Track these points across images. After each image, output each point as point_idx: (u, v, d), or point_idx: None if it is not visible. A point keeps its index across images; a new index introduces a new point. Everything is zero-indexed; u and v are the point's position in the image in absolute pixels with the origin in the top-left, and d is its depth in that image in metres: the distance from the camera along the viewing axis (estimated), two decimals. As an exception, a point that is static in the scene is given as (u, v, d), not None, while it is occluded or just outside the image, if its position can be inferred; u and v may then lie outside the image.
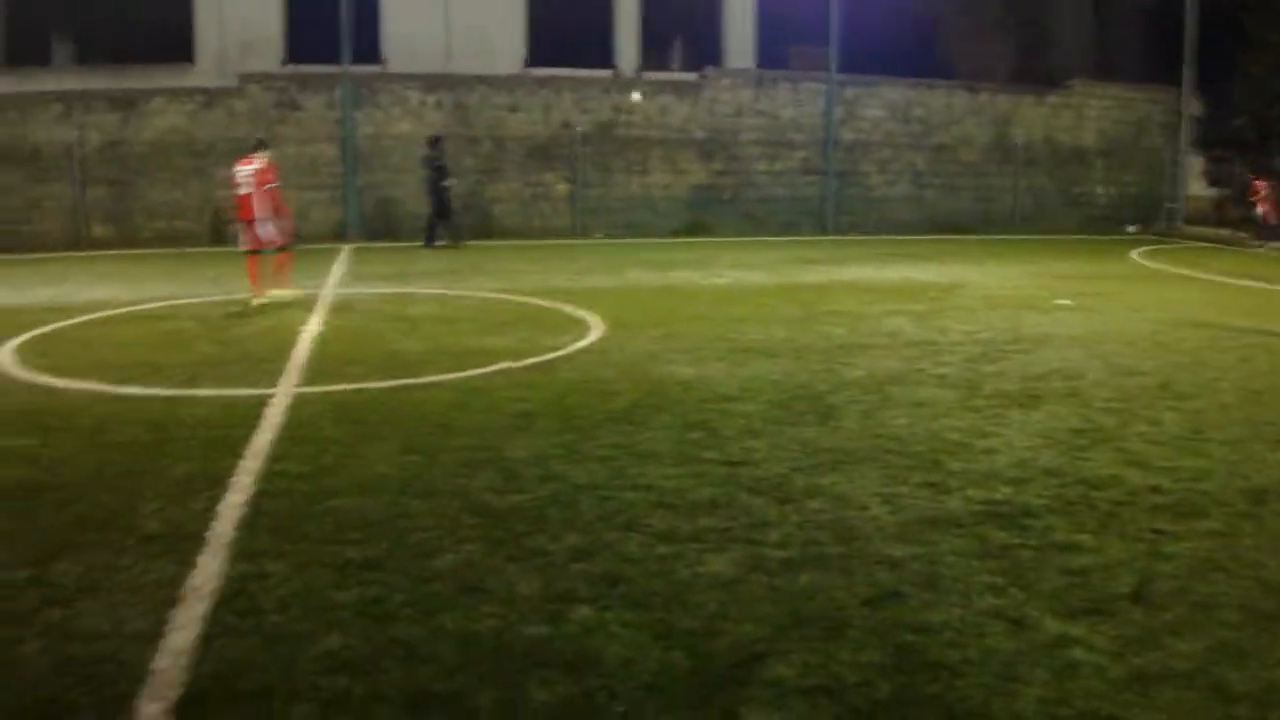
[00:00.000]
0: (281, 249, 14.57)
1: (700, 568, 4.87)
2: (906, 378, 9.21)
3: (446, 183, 22.97)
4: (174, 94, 24.71)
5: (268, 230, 14.27)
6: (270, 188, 14.32)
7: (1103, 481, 6.27)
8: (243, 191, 14.23)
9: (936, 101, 28.95)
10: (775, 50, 31.20)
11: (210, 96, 24.72)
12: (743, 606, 4.47)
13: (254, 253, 14.28)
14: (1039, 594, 4.64)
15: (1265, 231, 25.60)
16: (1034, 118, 29.89)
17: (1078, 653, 4.11)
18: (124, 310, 13.67)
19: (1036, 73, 32.48)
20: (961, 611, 4.45)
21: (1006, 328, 12.11)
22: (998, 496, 5.96)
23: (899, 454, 6.77)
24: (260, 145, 15.03)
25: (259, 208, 14.15)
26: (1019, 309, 13.64)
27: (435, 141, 23.22)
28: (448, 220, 23.11)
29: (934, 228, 27.98)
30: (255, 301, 13.93)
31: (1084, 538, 5.34)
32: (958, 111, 29.15)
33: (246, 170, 14.31)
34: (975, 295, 15.01)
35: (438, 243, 22.78)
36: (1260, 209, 25.96)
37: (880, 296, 14.73)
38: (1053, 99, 30.16)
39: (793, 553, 5.05)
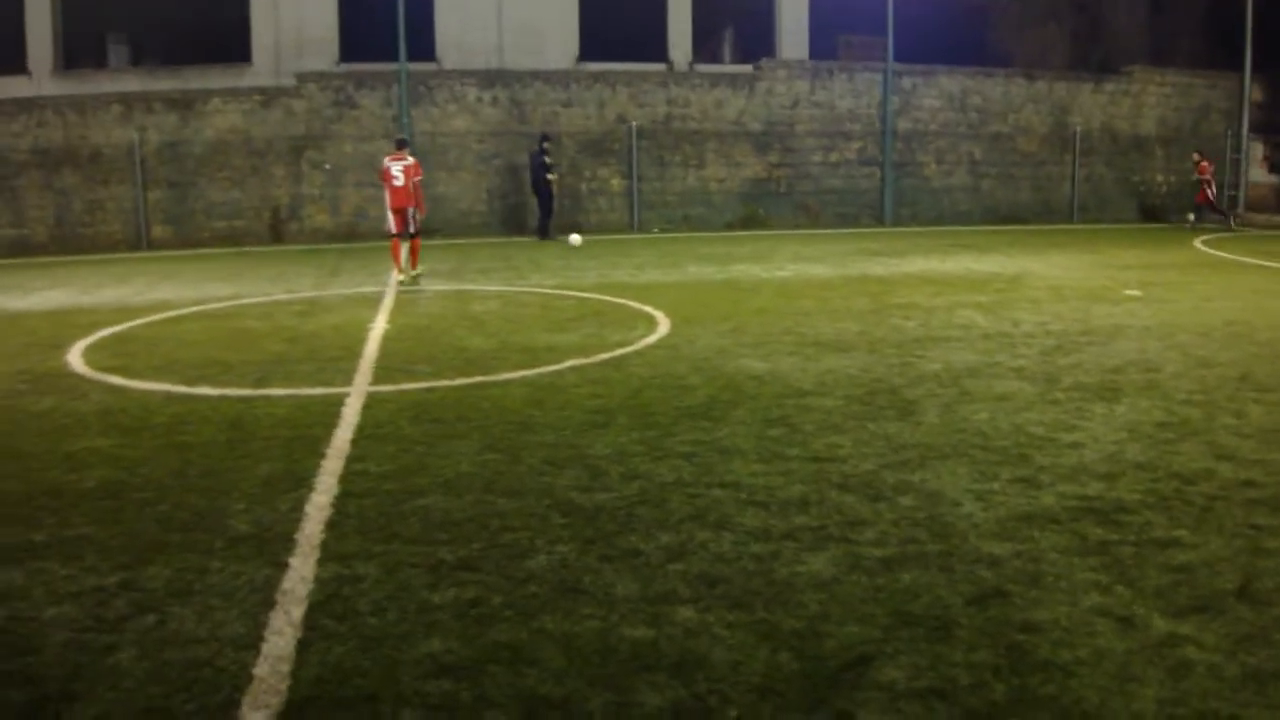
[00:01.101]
0: (417, 235, 16.45)
1: (798, 567, 4.79)
2: (983, 371, 9.07)
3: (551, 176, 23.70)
4: (232, 94, 24.92)
5: (414, 218, 16.23)
6: (416, 181, 16.32)
7: (1195, 475, 6.12)
8: (398, 184, 16.02)
9: (994, 90, 28.63)
10: (825, 40, 31.03)
11: (268, 96, 24.90)
12: (845, 607, 4.38)
13: (398, 236, 16.28)
14: (1144, 591, 4.52)
15: (1207, 210, 26.74)
16: (1092, 105, 29.50)
17: (1190, 651, 3.99)
18: (189, 310, 13.78)
19: (1092, 59, 32.06)
20: (1068, 610, 4.34)
21: (1077, 319, 11.93)
22: (1090, 492, 5.83)
23: (985, 449, 6.65)
24: (403, 144, 17.11)
25: (414, 198, 16.17)
26: (1087, 300, 13.44)
27: (544, 139, 23.73)
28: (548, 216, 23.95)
29: (992, 218, 27.74)
30: (400, 277, 16.02)
31: (1182, 533, 5.21)
32: (1015, 100, 28.82)
33: (399, 165, 16.10)
34: (1041, 286, 14.81)
35: (545, 237, 23.67)
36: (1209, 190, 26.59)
37: (946, 288, 14.57)
38: (1111, 86, 29.76)
39: (891, 551, 4.96)
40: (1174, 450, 6.64)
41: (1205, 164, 26.68)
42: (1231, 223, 26.86)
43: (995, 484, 5.94)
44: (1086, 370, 9.10)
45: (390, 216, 16.12)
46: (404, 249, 16.24)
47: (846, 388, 8.42)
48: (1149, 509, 5.55)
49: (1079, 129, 28.93)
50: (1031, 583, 4.61)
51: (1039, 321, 11.72)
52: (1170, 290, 14.38)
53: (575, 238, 16.87)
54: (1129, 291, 14.16)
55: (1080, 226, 27.15)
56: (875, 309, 12.71)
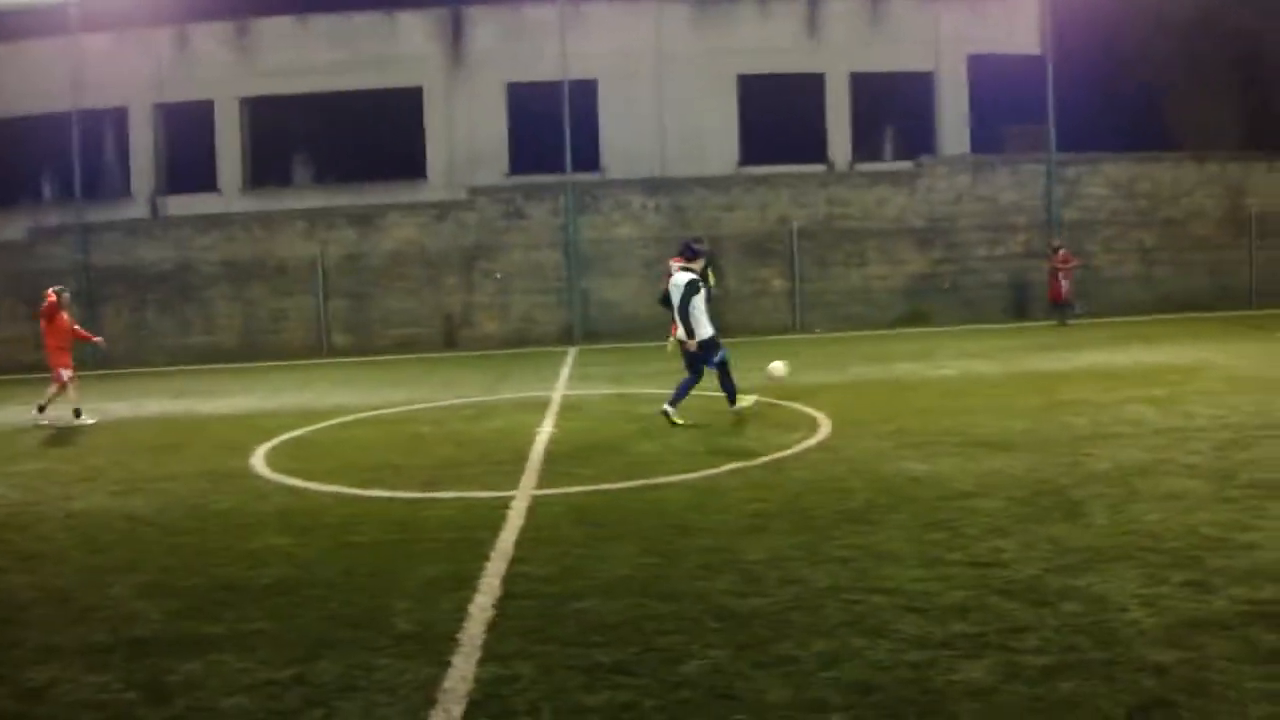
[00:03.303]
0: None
1: (955, 676, 4.69)
2: (1155, 469, 8.77)
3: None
4: (408, 209, 26.13)
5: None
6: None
7: (1381, 578, 5.80)
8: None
9: (1163, 174, 27.88)
10: (990, 132, 30.80)
11: (441, 210, 26.01)
12: (1002, 716, 4.28)
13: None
14: (1319, 702, 4.31)
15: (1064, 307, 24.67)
16: (1269, 185, 28.36)
17: (1369, 766, 3.79)
18: (365, 415, 14.35)
19: (1268, 138, 30.99)
20: (1237, 721, 4.16)
21: (1255, 411, 11.42)
22: (1264, 595, 5.56)
23: (1154, 551, 6.42)
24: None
25: None
26: (1267, 391, 12.85)
27: (697, 241, 24.14)
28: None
29: (1167, 307, 26.82)
30: None
31: (1364, 640, 4.94)
32: (1186, 184, 27.98)
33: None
34: (1218, 377, 14.24)
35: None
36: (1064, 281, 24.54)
37: (1118, 382, 14.14)
38: (1287, 164, 28.65)
39: (1051, 659, 4.82)
40: (1357, 551, 6.31)
41: (1065, 253, 24.84)
42: (1066, 320, 24.72)
43: (1164, 588, 5.74)
44: (1264, 466, 8.70)
45: None
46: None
47: (1010, 489, 8.25)
48: (1328, 613, 5.29)
49: (1256, 210, 27.86)
50: (1198, 692, 4.42)
51: (1214, 415, 11.26)
52: (1360, 379, 13.69)
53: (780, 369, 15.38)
54: (1313, 380, 13.56)
55: (1261, 312, 25.98)
56: (1043, 406, 12.42)
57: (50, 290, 15.85)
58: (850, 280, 26.41)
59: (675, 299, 12.08)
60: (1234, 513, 7.26)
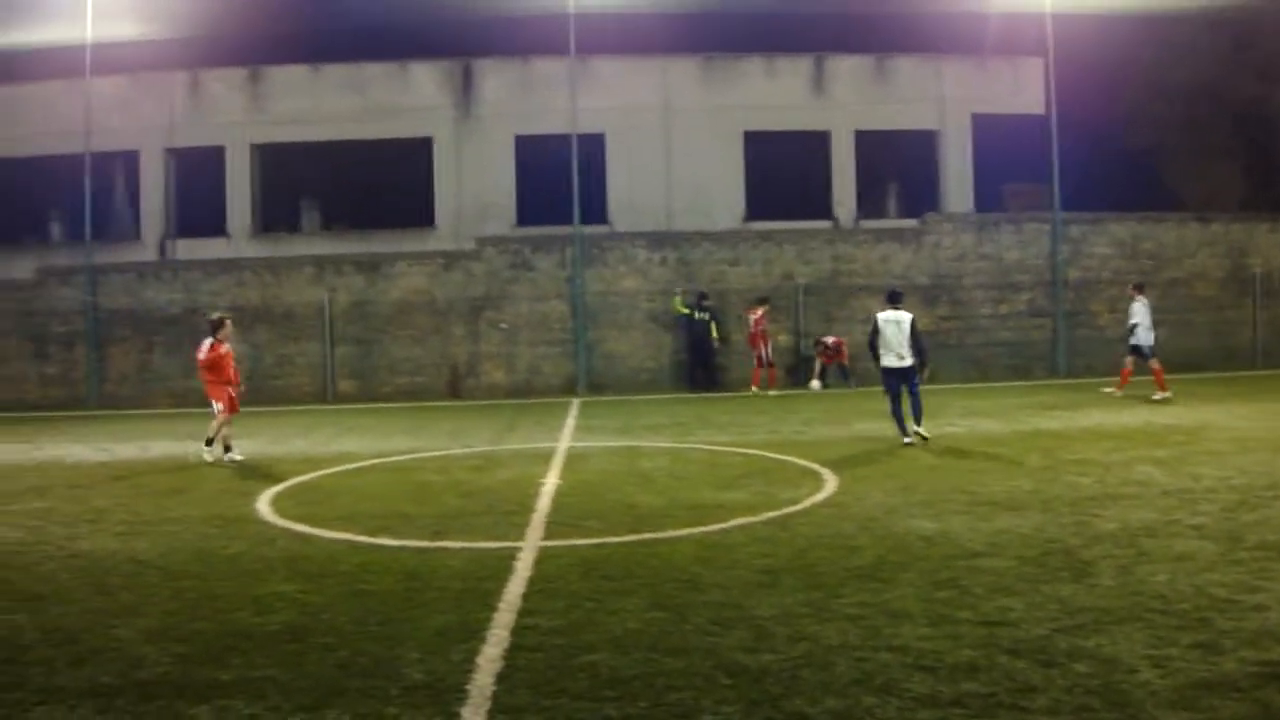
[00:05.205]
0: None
1: (966, 735, 4.71)
2: (1162, 529, 8.78)
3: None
4: (416, 257, 26.28)
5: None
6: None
7: (1391, 641, 5.81)
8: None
9: (1166, 235, 27.98)
10: (990, 189, 31.05)
11: (449, 259, 26.15)
12: (1016, 777, 4.29)
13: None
14: (1333, 767, 4.32)
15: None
16: (1271, 245, 28.44)
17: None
18: (371, 462, 14.36)
19: (1269, 198, 31.14)
20: (1252, 786, 4.16)
21: (1262, 472, 11.45)
22: (1274, 657, 5.58)
23: (1163, 612, 6.43)
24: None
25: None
26: (1273, 452, 12.88)
27: (703, 296, 24.80)
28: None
29: (1170, 366, 26.73)
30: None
31: (1375, 703, 4.95)
32: (1189, 244, 28.06)
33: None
34: (1223, 438, 14.26)
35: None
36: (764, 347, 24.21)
37: (1123, 442, 14.15)
38: (1289, 224, 28.76)
39: (1064, 720, 4.84)
40: (1367, 614, 6.32)
41: (759, 313, 24.36)
42: (768, 390, 23.93)
43: (1174, 649, 5.75)
44: (1272, 528, 8.73)
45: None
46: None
47: (1019, 548, 8.26)
48: (1339, 676, 5.30)
49: (1259, 271, 27.96)
50: (1212, 756, 4.44)
51: (1221, 476, 11.28)
52: (1365, 441, 13.70)
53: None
54: (1318, 443, 13.57)
55: (1264, 373, 26.02)
56: (1049, 465, 12.44)
57: (218, 319, 15.81)
58: (856, 336, 26.41)
59: (899, 333, 14.62)
60: (1242, 574, 7.27)
